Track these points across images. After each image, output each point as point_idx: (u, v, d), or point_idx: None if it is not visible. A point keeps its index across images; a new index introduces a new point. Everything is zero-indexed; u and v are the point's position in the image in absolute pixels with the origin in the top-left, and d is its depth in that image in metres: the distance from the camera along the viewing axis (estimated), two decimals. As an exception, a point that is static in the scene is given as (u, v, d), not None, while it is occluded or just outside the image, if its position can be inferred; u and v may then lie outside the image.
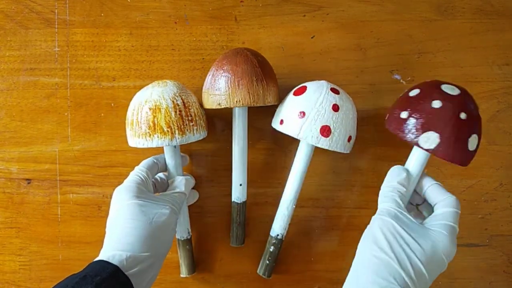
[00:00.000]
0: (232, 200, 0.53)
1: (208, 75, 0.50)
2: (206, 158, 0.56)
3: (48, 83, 0.56)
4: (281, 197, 0.52)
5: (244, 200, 0.53)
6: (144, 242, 0.41)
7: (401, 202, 0.42)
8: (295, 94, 0.49)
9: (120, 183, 0.45)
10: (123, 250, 0.40)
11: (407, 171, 0.45)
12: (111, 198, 0.45)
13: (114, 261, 0.39)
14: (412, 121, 0.43)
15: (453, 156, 0.42)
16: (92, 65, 0.56)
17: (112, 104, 0.56)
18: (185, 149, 0.56)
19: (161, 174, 0.52)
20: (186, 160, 0.54)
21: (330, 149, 0.47)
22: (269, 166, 0.56)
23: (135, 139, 0.47)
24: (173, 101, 0.47)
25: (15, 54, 0.56)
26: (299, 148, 0.50)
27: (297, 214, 0.55)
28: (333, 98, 0.47)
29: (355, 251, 0.41)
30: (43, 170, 0.56)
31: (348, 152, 0.49)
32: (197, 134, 0.48)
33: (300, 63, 0.56)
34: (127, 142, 0.49)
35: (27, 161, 0.56)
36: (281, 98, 0.51)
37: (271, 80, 0.49)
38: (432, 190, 0.44)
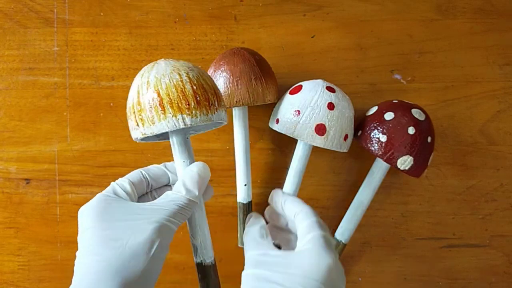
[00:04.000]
0: (238, 201, 0.53)
1: (207, 75, 0.49)
2: (206, 158, 0.56)
3: (47, 83, 0.56)
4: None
5: (249, 200, 0.53)
6: (110, 278, 0.31)
7: (263, 241, 0.40)
8: (291, 93, 0.49)
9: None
10: None
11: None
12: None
13: None
14: (391, 146, 0.46)
15: (419, 173, 0.48)
16: (91, 64, 0.56)
17: (111, 104, 0.56)
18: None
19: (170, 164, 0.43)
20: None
21: (325, 147, 0.46)
22: (268, 166, 0.55)
23: (139, 128, 0.37)
24: (186, 74, 0.37)
25: (14, 53, 0.56)
26: (296, 147, 0.50)
27: (297, 215, 0.54)
28: (329, 97, 0.47)
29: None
30: (42, 170, 0.55)
31: (345, 150, 0.49)
32: (220, 112, 0.38)
33: (300, 63, 0.56)
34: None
35: (26, 161, 0.55)
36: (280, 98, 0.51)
37: (269, 78, 0.49)
38: (288, 206, 0.43)
